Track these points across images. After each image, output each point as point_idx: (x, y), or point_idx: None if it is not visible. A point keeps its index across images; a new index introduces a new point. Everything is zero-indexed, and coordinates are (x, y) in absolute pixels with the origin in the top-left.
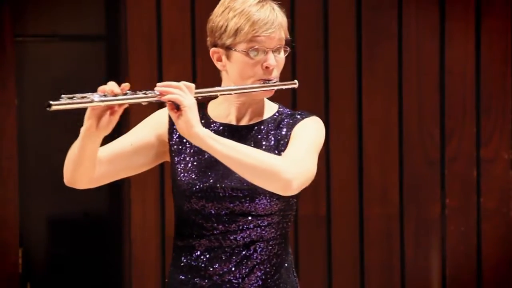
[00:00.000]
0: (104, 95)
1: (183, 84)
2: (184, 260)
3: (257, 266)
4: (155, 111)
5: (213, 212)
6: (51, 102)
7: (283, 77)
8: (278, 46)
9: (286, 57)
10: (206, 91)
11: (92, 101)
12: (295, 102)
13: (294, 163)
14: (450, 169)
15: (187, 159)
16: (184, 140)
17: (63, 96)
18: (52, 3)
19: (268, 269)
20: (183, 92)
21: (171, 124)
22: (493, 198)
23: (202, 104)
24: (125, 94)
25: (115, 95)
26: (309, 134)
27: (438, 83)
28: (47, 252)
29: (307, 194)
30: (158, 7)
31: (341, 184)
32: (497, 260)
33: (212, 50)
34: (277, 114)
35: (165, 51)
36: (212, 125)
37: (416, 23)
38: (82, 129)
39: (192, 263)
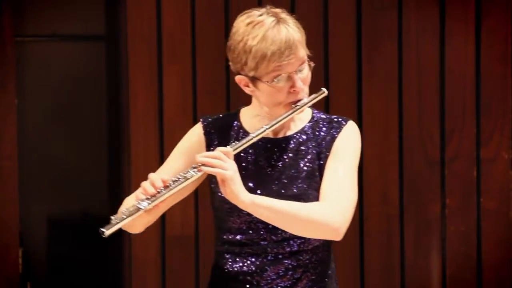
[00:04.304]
0: (148, 198)
1: (220, 152)
2: (230, 268)
3: (305, 274)
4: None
5: (258, 224)
6: (103, 230)
7: None
8: (301, 65)
9: None
10: (244, 143)
11: (139, 210)
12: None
13: (338, 210)
14: (450, 169)
15: None
16: None
17: (112, 217)
18: (52, 3)
19: (313, 277)
20: (223, 162)
21: (209, 143)
22: (493, 198)
23: (235, 115)
24: (167, 186)
25: (158, 192)
26: (348, 153)
27: (438, 83)
28: (47, 252)
29: None
30: (158, 7)
31: None
32: (497, 260)
33: (237, 78)
34: (313, 120)
35: (165, 51)
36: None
37: (416, 23)
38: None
39: (239, 271)
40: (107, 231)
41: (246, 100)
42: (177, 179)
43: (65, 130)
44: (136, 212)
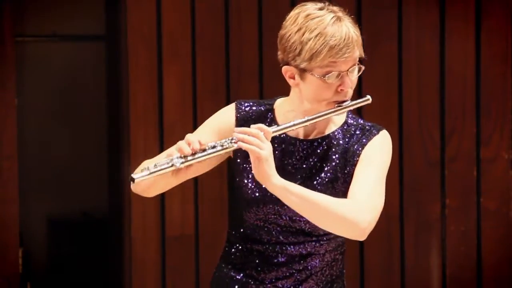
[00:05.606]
0: (183, 156)
1: (260, 129)
2: (238, 259)
3: (311, 276)
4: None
5: (272, 225)
6: (133, 176)
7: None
8: (353, 66)
9: None
10: (283, 128)
11: (172, 165)
12: None
13: (367, 209)
14: (450, 169)
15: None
16: None
17: (145, 168)
18: (52, 3)
19: (320, 280)
20: (260, 141)
21: (239, 125)
22: (493, 198)
23: (271, 105)
24: (203, 150)
25: (194, 154)
26: (378, 160)
27: (438, 83)
28: (47, 252)
29: None
30: (158, 7)
31: None
32: (497, 260)
33: (284, 68)
34: (346, 125)
35: (165, 51)
36: (281, 135)
37: (416, 23)
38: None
39: (246, 264)
40: (137, 178)
41: None
42: (214, 145)
43: (65, 130)
44: (169, 168)
